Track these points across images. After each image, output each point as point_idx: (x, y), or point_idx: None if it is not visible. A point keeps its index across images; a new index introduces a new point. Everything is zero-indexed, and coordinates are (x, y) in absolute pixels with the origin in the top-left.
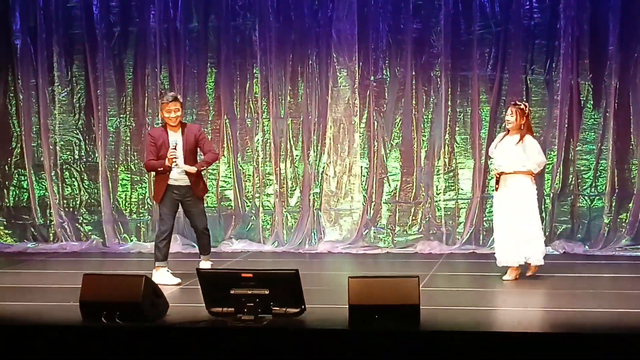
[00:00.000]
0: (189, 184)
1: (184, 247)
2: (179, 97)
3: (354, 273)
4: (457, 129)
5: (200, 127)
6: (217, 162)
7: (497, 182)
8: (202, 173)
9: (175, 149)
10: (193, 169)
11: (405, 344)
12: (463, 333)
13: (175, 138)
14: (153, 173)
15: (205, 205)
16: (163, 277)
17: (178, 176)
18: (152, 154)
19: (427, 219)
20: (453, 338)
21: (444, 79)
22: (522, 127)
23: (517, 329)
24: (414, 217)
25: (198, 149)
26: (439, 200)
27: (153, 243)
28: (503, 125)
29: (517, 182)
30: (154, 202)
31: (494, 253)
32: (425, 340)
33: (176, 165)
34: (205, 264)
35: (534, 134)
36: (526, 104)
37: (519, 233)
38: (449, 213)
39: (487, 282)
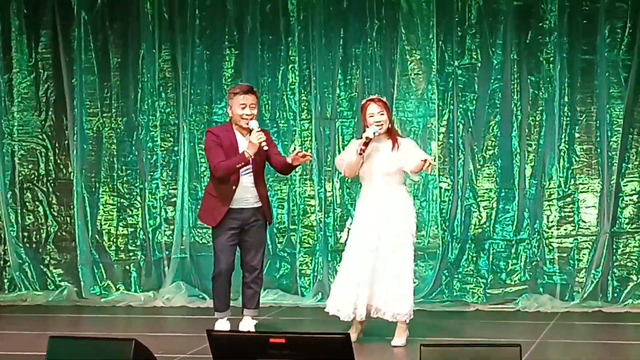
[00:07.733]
0: (259, 205)
1: (190, 298)
2: (254, 89)
3: (428, 339)
4: (576, 135)
5: (269, 132)
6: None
7: None
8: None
9: (260, 131)
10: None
11: None
12: None
13: (244, 144)
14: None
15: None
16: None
17: (246, 195)
18: (220, 155)
19: (534, 264)
20: None
21: (559, 64)
22: (391, 127)
23: None
24: (515, 261)
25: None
26: (551, 237)
27: (146, 294)
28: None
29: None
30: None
31: (628, 311)
32: None
33: (267, 149)
34: (247, 324)
35: None
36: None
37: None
38: (564, 255)
39: (619, 354)
